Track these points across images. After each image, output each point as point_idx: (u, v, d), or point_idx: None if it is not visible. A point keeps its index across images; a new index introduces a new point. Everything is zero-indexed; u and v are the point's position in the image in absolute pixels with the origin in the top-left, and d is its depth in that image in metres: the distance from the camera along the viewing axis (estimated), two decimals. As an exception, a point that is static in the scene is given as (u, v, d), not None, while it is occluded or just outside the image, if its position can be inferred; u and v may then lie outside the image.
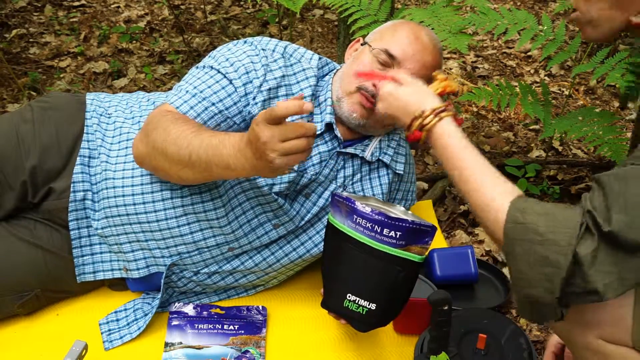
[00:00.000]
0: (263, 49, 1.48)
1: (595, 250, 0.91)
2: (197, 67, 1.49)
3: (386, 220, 1.22)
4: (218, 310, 1.55)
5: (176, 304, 1.56)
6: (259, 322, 1.53)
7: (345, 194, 1.31)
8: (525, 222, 0.96)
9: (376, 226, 1.23)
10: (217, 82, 1.43)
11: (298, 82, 1.50)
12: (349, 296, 1.28)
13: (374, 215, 1.23)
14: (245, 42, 1.51)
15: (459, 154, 1.12)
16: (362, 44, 1.54)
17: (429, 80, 1.51)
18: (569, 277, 0.92)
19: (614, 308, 1.01)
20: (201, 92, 1.41)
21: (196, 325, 1.51)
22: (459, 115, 1.22)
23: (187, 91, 1.42)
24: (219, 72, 1.44)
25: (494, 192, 1.04)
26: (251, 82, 1.43)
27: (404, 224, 1.22)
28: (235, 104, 1.42)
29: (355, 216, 1.25)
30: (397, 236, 1.23)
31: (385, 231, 1.23)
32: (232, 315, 1.54)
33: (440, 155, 1.16)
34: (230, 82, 1.43)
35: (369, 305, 1.27)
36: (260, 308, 1.57)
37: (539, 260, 0.94)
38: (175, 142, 1.27)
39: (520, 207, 0.98)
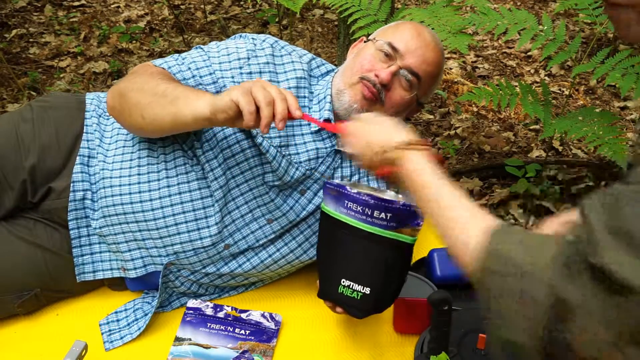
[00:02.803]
0: (254, 39, 1.55)
1: (582, 291, 0.74)
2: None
3: (377, 202, 1.24)
4: (234, 313, 1.55)
5: (194, 300, 1.56)
6: (270, 331, 1.52)
7: (336, 181, 1.32)
8: (501, 251, 0.84)
9: (367, 209, 1.25)
10: (199, 55, 1.52)
11: (285, 72, 1.52)
12: (343, 281, 1.29)
13: (364, 198, 1.25)
14: (240, 36, 1.58)
15: (434, 186, 1.02)
16: (365, 42, 1.55)
17: (432, 78, 1.51)
18: (553, 320, 0.76)
19: None
20: (183, 58, 1.50)
21: (209, 324, 1.51)
22: (438, 151, 1.20)
23: (171, 57, 1.52)
24: (202, 49, 1.54)
25: (470, 222, 0.93)
26: (229, 62, 1.49)
27: (394, 205, 1.24)
28: (210, 73, 1.48)
29: (346, 201, 1.27)
30: (388, 218, 1.25)
31: (376, 213, 1.25)
32: (246, 320, 1.53)
33: (414, 191, 1.07)
34: (209, 57, 1.50)
35: (363, 289, 1.28)
36: (275, 316, 1.55)
37: (516, 295, 0.80)
38: (156, 81, 1.35)
39: (498, 236, 0.87)
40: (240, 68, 1.48)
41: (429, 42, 1.49)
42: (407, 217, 1.25)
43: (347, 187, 1.27)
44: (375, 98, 1.46)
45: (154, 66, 1.48)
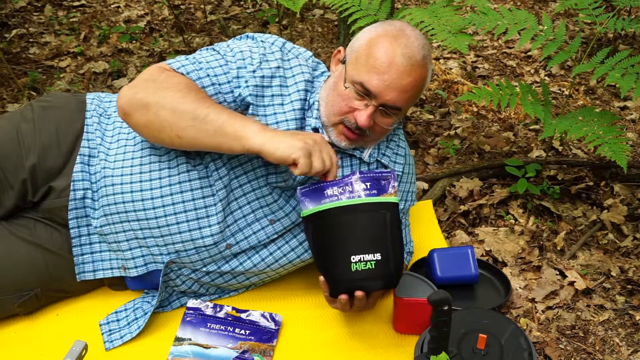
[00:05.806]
0: (262, 41, 1.54)
1: None
2: (200, 50, 1.56)
3: (355, 176, 1.35)
4: (234, 313, 1.55)
5: (194, 300, 1.56)
6: (271, 331, 1.53)
7: (305, 186, 1.38)
8: None
9: (347, 187, 1.34)
10: (216, 59, 1.50)
11: (294, 76, 1.52)
12: (353, 258, 1.32)
13: (343, 179, 1.35)
14: (247, 36, 1.58)
15: None
16: (342, 62, 1.50)
17: (415, 95, 1.48)
18: None
19: None
20: (199, 63, 1.49)
21: (209, 324, 1.51)
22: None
23: (186, 58, 1.50)
24: (218, 52, 1.52)
25: None
26: (245, 67, 1.48)
27: (369, 174, 1.36)
28: (228, 82, 1.47)
29: (325, 191, 1.35)
30: (369, 187, 1.34)
31: (357, 186, 1.34)
32: (246, 320, 1.54)
33: None
34: (227, 63, 1.49)
35: (374, 256, 1.32)
36: (275, 316, 1.56)
37: None
38: (193, 102, 1.34)
39: None
40: (254, 72, 1.47)
41: (404, 68, 1.39)
42: (382, 182, 1.36)
43: (322, 181, 1.35)
44: (359, 136, 1.48)
45: (175, 73, 1.44)
